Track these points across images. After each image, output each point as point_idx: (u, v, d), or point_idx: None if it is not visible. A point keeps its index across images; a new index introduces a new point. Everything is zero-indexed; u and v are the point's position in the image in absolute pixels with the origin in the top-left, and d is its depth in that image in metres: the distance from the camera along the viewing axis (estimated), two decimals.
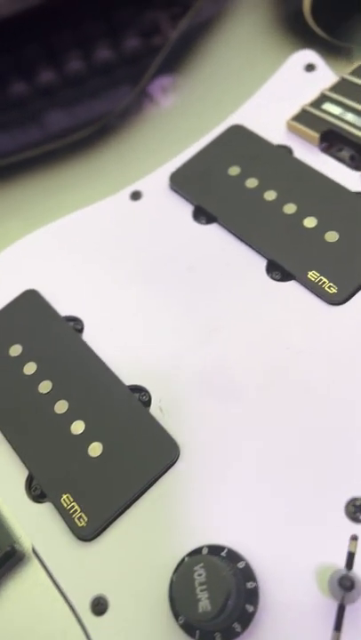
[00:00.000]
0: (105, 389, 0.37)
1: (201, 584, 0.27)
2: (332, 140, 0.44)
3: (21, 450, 0.36)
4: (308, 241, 0.39)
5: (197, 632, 0.29)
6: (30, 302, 0.41)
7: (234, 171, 0.44)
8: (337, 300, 0.37)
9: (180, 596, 0.28)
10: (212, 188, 0.43)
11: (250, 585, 0.29)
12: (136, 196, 0.45)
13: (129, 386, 0.37)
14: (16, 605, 0.33)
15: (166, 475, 0.34)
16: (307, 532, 0.30)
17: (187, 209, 0.44)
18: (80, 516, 0.33)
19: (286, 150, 0.44)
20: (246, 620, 0.29)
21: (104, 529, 0.33)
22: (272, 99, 0.48)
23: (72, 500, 0.34)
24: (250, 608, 0.29)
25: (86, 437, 0.35)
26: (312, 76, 0.48)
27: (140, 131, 0.54)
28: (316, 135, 0.43)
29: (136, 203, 0.45)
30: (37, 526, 0.34)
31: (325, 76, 0.47)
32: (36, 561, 0.33)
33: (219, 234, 0.42)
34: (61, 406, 0.36)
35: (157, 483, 0.33)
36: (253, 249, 0.40)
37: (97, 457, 0.34)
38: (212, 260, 0.41)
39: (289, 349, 0.36)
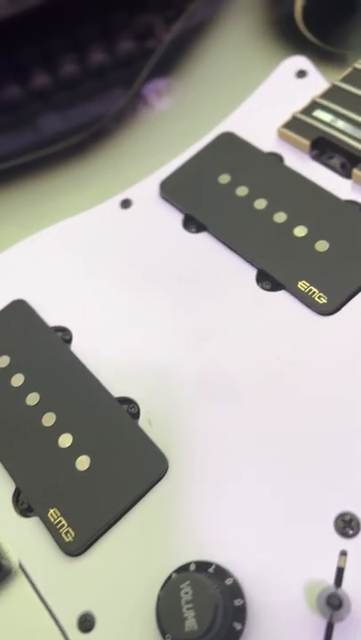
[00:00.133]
0: (93, 401, 0.36)
1: (187, 602, 0.27)
2: (323, 148, 0.43)
3: (8, 463, 0.36)
4: (299, 250, 0.39)
5: None
6: (18, 312, 0.41)
7: (224, 179, 0.43)
8: (327, 311, 0.36)
9: (166, 615, 0.27)
10: (203, 197, 0.43)
11: (237, 602, 0.29)
12: (126, 204, 0.45)
13: (117, 397, 0.36)
14: (1, 621, 0.32)
15: (154, 489, 0.33)
16: (295, 548, 0.30)
17: (177, 217, 0.43)
18: (67, 531, 0.33)
19: (277, 158, 0.44)
20: (234, 638, 0.28)
21: (91, 544, 0.32)
22: (263, 105, 0.47)
23: (59, 514, 0.33)
24: (238, 626, 0.28)
25: (74, 451, 0.35)
26: (303, 83, 0.47)
27: (133, 135, 0.53)
28: (306, 143, 0.43)
29: (126, 211, 0.45)
30: (24, 541, 0.34)
31: (317, 82, 0.47)
32: (22, 576, 0.33)
33: (209, 243, 0.41)
34: (49, 419, 0.36)
35: (145, 497, 0.33)
36: (243, 258, 0.40)
37: (84, 471, 0.34)
38: (202, 270, 0.40)
39: (280, 360, 0.36)
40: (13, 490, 0.35)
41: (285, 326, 0.37)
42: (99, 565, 0.32)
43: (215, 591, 0.28)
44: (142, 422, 0.35)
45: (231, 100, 0.50)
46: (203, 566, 0.30)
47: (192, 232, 0.42)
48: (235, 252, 0.40)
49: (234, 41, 0.55)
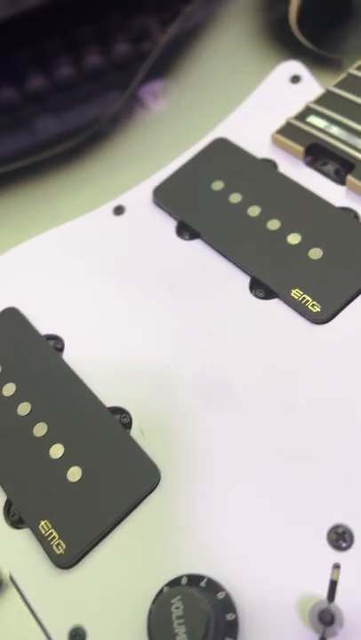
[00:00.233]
0: (85, 411, 0.36)
1: (178, 617, 0.27)
2: (317, 154, 0.43)
3: None
4: (292, 258, 0.38)
5: None
6: (10, 320, 0.41)
7: (217, 185, 0.43)
8: (320, 319, 0.36)
9: (156, 631, 0.27)
10: (196, 203, 0.43)
11: (229, 617, 0.28)
12: (119, 210, 0.45)
13: (110, 407, 0.36)
14: None
15: (147, 500, 0.33)
16: (288, 561, 0.30)
17: (170, 224, 0.43)
18: (58, 543, 0.32)
19: (271, 164, 0.44)
20: None
21: (82, 557, 0.32)
22: (257, 111, 0.47)
23: (50, 526, 0.33)
24: None
25: (65, 461, 0.34)
26: (298, 88, 0.47)
27: (128, 139, 0.53)
28: (300, 149, 0.43)
29: (119, 217, 0.44)
30: (15, 553, 0.33)
31: (311, 87, 0.47)
32: (13, 589, 0.33)
33: (202, 250, 0.41)
34: (40, 429, 0.36)
35: (138, 508, 0.33)
36: (237, 266, 0.40)
37: (76, 482, 0.34)
38: (196, 277, 0.40)
39: (273, 370, 0.36)
40: (4, 501, 0.35)
41: (279, 335, 0.36)
42: (90, 578, 0.32)
43: (207, 606, 0.27)
44: (134, 432, 0.35)
45: (225, 104, 0.49)
46: (195, 580, 0.30)
47: (185, 239, 0.42)
48: (228, 259, 0.40)
49: (228, 45, 0.55)
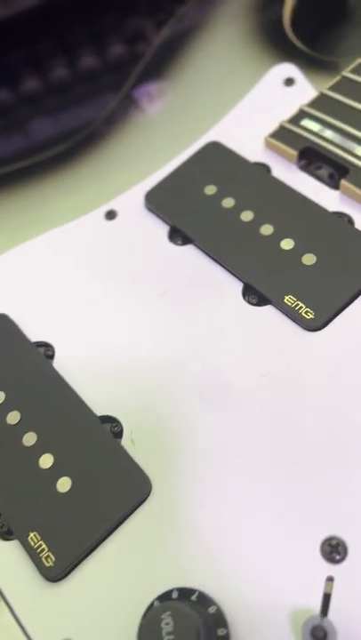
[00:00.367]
0: (75, 420, 0.35)
1: (168, 634, 0.26)
2: (311, 158, 0.42)
3: None
4: (285, 264, 0.38)
5: None
6: (0, 327, 0.40)
7: (210, 190, 0.42)
8: (314, 326, 0.35)
9: None
10: (188, 208, 0.42)
11: (221, 632, 0.28)
12: (111, 215, 0.44)
13: (100, 416, 0.36)
14: None
15: (138, 511, 0.32)
16: (281, 574, 0.29)
17: (162, 229, 0.42)
18: (47, 556, 0.32)
19: (264, 168, 0.43)
20: None
21: (72, 569, 0.31)
22: (251, 113, 0.46)
23: (39, 538, 0.32)
24: None
25: (55, 472, 0.34)
26: (291, 91, 0.47)
27: (121, 142, 0.53)
28: (294, 153, 0.42)
29: (111, 222, 0.44)
30: (3, 565, 0.33)
31: (305, 90, 0.46)
32: (1, 602, 0.32)
33: (194, 255, 0.41)
34: (30, 439, 0.35)
35: (128, 520, 0.32)
36: (230, 272, 0.39)
37: (66, 493, 0.33)
38: (188, 283, 0.40)
39: (266, 377, 0.35)
40: None
41: (272, 342, 0.36)
42: (80, 591, 0.31)
43: (197, 621, 0.27)
44: (125, 442, 0.35)
45: (219, 107, 0.49)
46: (186, 593, 0.29)
47: (178, 244, 0.41)
48: (221, 265, 0.40)
49: (222, 47, 0.54)
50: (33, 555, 0.32)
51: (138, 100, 0.54)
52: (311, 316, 0.36)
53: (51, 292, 0.42)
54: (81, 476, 0.33)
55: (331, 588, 0.28)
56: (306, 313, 0.36)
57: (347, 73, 0.45)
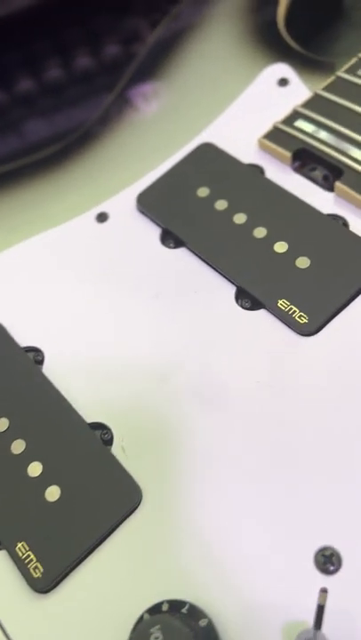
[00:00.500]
0: (64, 427, 0.35)
1: None
2: (305, 159, 0.42)
3: None
4: (279, 267, 0.37)
5: None
6: None
7: (203, 192, 0.42)
8: (308, 331, 0.35)
9: None
10: (181, 211, 0.42)
11: None
12: (102, 217, 0.44)
13: (90, 423, 0.35)
14: None
15: (128, 521, 0.32)
16: (273, 585, 0.29)
17: (154, 232, 0.42)
18: (35, 567, 0.31)
19: (257, 170, 0.42)
20: None
21: (60, 580, 0.31)
22: (244, 115, 0.46)
23: (27, 548, 0.32)
24: None
25: (44, 480, 0.33)
26: (285, 91, 0.46)
27: (114, 143, 0.52)
28: (288, 154, 0.42)
29: (102, 225, 0.43)
30: None
31: (299, 91, 0.46)
32: None
33: (187, 258, 0.40)
34: (18, 446, 0.34)
35: (118, 529, 0.32)
36: (222, 275, 0.38)
37: (54, 502, 0.32)
38: (180, 287, 0.39)
39: (259, 383, 0.34)
40: None
41: (265, 347, 0.35)
42: (68, 603, 0.30)
43: (188, 635, 0.26)
44: (115, 449, 0.34)
45: (212, 107, 0.48)
46: (176, 605, 0.28)
47: (170, 247, 0.41)
48: (213, 268, 0.39)
49: (216, 47, 0.54)
50: (21, 565, 0.31)
51: (131, 100, 0.53)
52: (305, 321, 0.35)
53: (40, 297, 0.41)
54: (70, 485, 0.33)
55: (325, 599, 0.27)
56: (300, 317, 0.35)
57: (341, 73, 0.44)
